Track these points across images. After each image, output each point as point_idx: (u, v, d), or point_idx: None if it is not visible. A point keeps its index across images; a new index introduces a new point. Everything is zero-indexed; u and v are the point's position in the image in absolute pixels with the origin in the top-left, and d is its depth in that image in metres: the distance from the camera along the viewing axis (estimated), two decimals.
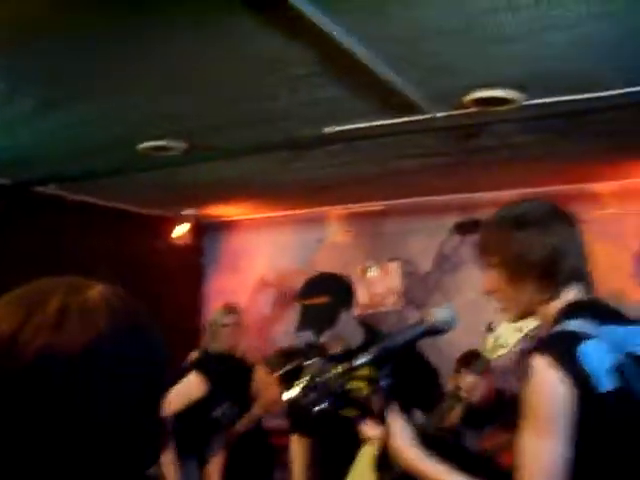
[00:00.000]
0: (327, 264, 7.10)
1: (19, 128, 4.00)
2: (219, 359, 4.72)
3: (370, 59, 3.01)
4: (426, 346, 3.21)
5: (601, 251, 5.84)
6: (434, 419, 2.88)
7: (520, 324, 2.60)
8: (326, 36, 2.74)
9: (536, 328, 2.51)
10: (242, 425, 4.69)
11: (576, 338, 1.87)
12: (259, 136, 4.28)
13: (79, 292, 1.01)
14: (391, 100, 3.62)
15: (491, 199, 5.75)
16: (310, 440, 3.69)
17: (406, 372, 3.57)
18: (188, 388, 4.02)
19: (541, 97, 3.59)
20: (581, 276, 2.06)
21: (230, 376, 4.17)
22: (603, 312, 2.02)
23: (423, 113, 3.81)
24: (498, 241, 2.13)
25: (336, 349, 3.41)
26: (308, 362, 2.32)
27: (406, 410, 3.06)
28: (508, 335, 2.75)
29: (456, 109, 3.76)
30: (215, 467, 4.39)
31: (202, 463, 4.57)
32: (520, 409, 1.86)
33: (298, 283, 7.33)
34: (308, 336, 3.32)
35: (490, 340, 2.84)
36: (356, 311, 3.61)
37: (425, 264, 6.64)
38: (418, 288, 6.60)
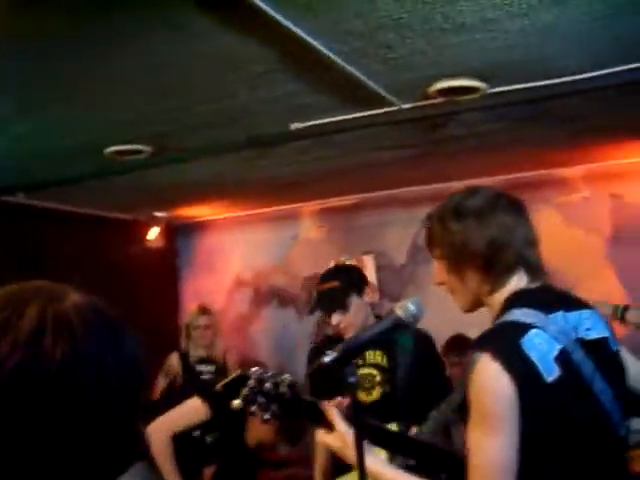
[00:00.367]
0: (302, 260, 7.11)
1: None
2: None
3: (330, 54, 3.00)
4: None
5: (572, 235, 5.93)
6: (449, 406, 2.85)
7: None
8: (284, 32, 2.73)
9: None
10: None
11: (519, 328, 1.86)
12: (224, 135, 4.26)
13: (55, 302, 1.00)
14: (356, 94, 3.61)
15: (462, 188, 5.76)
16: None
17: (422, 381, 3.66)
18: (191, 412, 4.01)
19: (505, 85, 3.59)
20: (527, 264, 2.05)
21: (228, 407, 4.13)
22: (551, 299, 2.01)
23: (389, 105, 3.81)
24: (439, 233, 2.13)
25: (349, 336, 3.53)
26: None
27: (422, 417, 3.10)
28: None
29: (421, 100, 3.76)
30: None
31: None
32: (467, 406, 1.85)
33: (274, 281, 7.38)
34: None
35: None
36: (369, 298, 3.74)
37: (399, 256, 6.66)
38: (393, 281, 6.61)
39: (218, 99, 3.63)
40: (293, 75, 3.31)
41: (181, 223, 7.62)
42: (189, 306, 6.73)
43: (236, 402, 2.26)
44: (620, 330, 3.75)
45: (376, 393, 3.69)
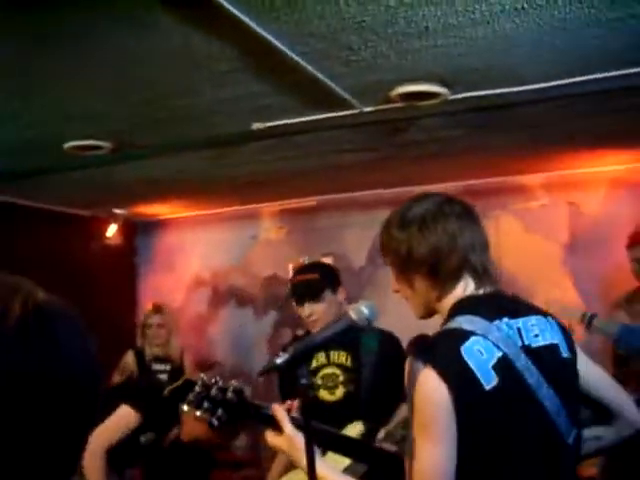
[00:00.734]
0: (261, 261, 7.11)
1: None
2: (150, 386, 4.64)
3: (292, 55, 3.00)
4: None
5: (531, 242, 6.00)
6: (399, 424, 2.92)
7: None
8: (248, 32, 2.72)
9: None
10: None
11: (459, 336, 1.86)
12: (185, 133, 4.25)
13: (32, 298, 0.98)
14: (318, 96, 3.62)
15: (422, 193, 5.79)
16: None
17: (387, 381, 3.69)
18: (123, 421, 4.00)
19: (466, 91, 3.61)
20: (473, 270, 2.04)
21: (159, 404, 4.11)
22: (496, 306, 2.01)
23: (350, 108, 3.82)
24: (387, 242, 2.14)
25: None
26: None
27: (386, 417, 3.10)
28: None
29: (383, 104, 3.77)
30: None
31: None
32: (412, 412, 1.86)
33: (233, 281, 7.36)
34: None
35: None
36: (341, 297, 3.80)
37: (358, 259, 6.67)
38: (351, 283, 6.62)
39: (180, 97, 3.61)
40: (256, 75, 3.31)
41: (140, 221, 7.57)
42: (147, 304, 6.70)
43: (183, 407, 2.30)
44: (577, 337, 3.81)
45: (339, 392, 3.72)
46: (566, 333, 2.11)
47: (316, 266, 4.08)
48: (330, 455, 2.39)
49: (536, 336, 1.97)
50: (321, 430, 2.33)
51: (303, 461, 1.98)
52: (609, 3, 2.64)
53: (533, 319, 2.01)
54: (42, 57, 3.01)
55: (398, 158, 5.21)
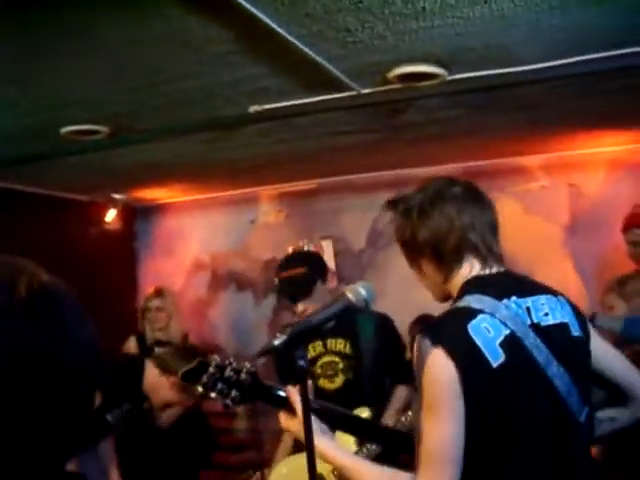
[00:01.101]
0: (261, 244, 7.10)
1: None
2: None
3: (289, 37, 2.99)
4: None
5: (531, 224, 5.99)
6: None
7: None
8: (244, 14, 2.70)
9: None
10: (168, 417, 4.52)
11: (467, 314, 1.89)
12: (183, 117, 4.23)
13: (37, 279, 0.97)
14: (316, 78, 3.60)
15: (422, 175, 5.79)
16: None
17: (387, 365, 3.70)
18: None
19: (464, 72, 3.60)
20: (476, 250, 2.08)
21: (122, 380, 4.08)
22: (505, 285, 2.04)
23: (348, 90, 3.80)
24: (394, 231, 2.23)
25: None
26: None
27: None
28: None
29: (381, 85, 3.76)
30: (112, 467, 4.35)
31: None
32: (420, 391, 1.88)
33: (232, 265, 7.36)
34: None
35: None
36: (331, 284, 3.84)
37: (358, 241, 6.67)
38: (351, 266, 6.63)
39: (177, 80, 3.59)
40: (253, 58, 3.29)
41: (139, 205, 7.57)
42: (148, 289, 6.70)
43: (198, 388, 2.30)
44: None
45: (339, 381, 3.72)
46: (578, 312, 2.12)
47: (301, 258, 3.98)
48: (339, 435, 2.40)
49: (546, 315, 1.98)
50: (332, 410, 2.35)
51: (316, 444, 1.99)
52: None
53: (543, 298, 2.03)
54: (39, 43, 2.99)
55: (396, 140, 5.20)
